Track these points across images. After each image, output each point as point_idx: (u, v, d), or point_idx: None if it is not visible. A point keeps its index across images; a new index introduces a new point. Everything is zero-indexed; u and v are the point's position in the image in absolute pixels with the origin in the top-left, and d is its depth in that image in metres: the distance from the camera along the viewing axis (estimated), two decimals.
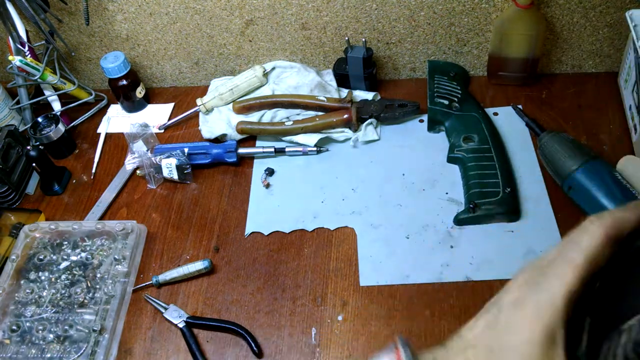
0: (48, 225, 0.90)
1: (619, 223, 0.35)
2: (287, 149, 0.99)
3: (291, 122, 1.00)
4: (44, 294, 0.83)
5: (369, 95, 1.04)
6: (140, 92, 1.11)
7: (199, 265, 0.84)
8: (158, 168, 0.97)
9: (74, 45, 1.12)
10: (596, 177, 0.80)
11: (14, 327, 0.80)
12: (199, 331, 0.80)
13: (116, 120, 1.12)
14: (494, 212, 0.83)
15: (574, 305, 0.35)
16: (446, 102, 0.98)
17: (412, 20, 1.01)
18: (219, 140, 1.02)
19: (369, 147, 0.99)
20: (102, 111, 1.15)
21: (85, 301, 0.82)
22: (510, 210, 0.84)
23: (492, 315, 0.36)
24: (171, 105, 1.13)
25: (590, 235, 0.35)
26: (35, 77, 1.03)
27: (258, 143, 1.02)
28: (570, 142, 0.86)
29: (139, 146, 0.99)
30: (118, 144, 1.08)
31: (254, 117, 1.03)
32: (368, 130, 0.99)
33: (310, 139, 0.98)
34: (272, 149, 0.99)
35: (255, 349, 0.76)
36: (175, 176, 0.96)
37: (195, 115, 1.08)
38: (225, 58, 1.12)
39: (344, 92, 1.05)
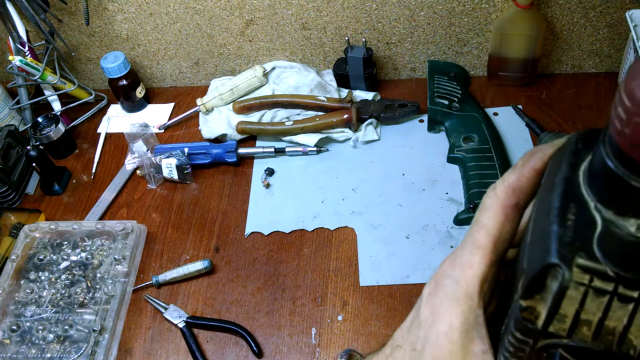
0: (48, 225, 0.90)
1: (512, 188, 0.31)
2: (287, 149, 0.99)
3: (291, 122, 1.00)
4: (44, 294, 0.83)
5: (369, 95, 1.04)
6: (140, 92, 1.11)
7: (199, 265, 0.84)
8: (158, 168, 0.97)
9: (74, 45, 1.12)
10: None
11: (14, 327, 0.80)
12: (199, 331, 0.80)
13: (116, 120, 1.12)
14: None
15: (499, 287, 0.33)
16: (446, 102, 0.98)
17: (412, 20, 1.01)
18: (219, 140, 1.02)
19: (369, 147, 0.99)
20: (102, 111, 1.15)
21: (85, 301, 0.82)
22: None
23: (415, 311, 0.34)
24: (171, 105, 1.13)
25: (489, 210, 0.31)
26: (35, 77, 1.03)
27: (258, 143, 1.02)
28: None
29: (139, 146, 0.99)
30: (118, 144, 1.08)
31: (254, 117, 1.03)
32: (368, 130, 0.99)
33: (310, 139, 0.98)
34: (272, 149, 0.99)
35: (255, 349, 0.76)
36: (175, 176, 0.96)
37: (195, 115, 1.08)
38: (225, 58, 1.12)
39: (344, 92, 1.05)
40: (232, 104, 1.06)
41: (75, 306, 0.82)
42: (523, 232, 0.33)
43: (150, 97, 1.16)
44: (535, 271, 0.26)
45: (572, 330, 0.26)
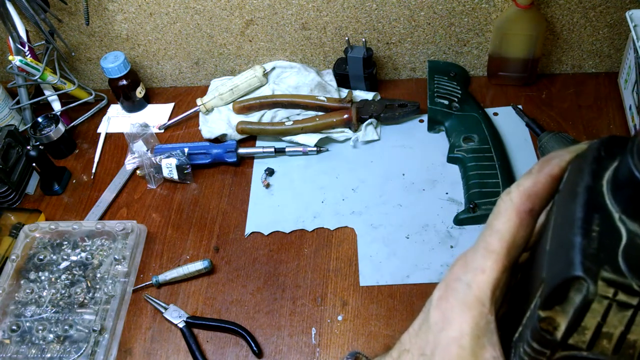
0: (48, 225, 0.90)
1: (527, 194, 0.30)
2: (287, 149, 0.99)
3: (291, 122, 1.00)
4: (44, 294, 0.83)
5: (369, 95, 1.04)
6: (140, 92, 1.11)
7: (199, 265, 0.84)
8: (158, 168, 0.97)
9: (74, 45, 1.12)
10: None
11: (14, 327, 0.80)
12: (199, 331, 0.80)
13: (116, 120, 1.12)
14: None
15: (511, 292, 0.32)
16: (446, 102, 0.98)
17: (412, 20, 1.01)
18: (219, 140, 1.02)
19: (369, 147, 0.99)
20: (102, 111, 1.15)
21: (85, 301, 0.82)
22: None
23: (424, 314, 0.33)
24: (171, 105, 1.13)
25: (504, 215, 0.31)
26: (35, 77, 1.03)
27: (258, 143, 1.02)
28: (570, 142, 0.86)
29: (139, 146, 0.99)
30: (118, 144, 1.08)
31: (254, 117, 1.03)
32: (368, 130, 0.99)
33: (310, 139, 0.98)
34: (272, 149, 0.99)
35: (255, 349, 0.76)
36: (175, 176, 0.96)
37: (195, 115, 1.08)
38: (225, 58, 1.12)
39: (344, 92, 1.05)
40: (232, 104, 1.06)
41: (75, 306, 0.82)
42: (536, 237, 0.33)
43: (150, 97, 1.16)
44: (556, 282, 0.25)
45: (592, 343, 0.25)
